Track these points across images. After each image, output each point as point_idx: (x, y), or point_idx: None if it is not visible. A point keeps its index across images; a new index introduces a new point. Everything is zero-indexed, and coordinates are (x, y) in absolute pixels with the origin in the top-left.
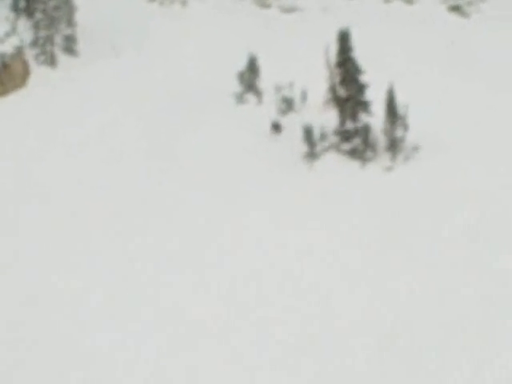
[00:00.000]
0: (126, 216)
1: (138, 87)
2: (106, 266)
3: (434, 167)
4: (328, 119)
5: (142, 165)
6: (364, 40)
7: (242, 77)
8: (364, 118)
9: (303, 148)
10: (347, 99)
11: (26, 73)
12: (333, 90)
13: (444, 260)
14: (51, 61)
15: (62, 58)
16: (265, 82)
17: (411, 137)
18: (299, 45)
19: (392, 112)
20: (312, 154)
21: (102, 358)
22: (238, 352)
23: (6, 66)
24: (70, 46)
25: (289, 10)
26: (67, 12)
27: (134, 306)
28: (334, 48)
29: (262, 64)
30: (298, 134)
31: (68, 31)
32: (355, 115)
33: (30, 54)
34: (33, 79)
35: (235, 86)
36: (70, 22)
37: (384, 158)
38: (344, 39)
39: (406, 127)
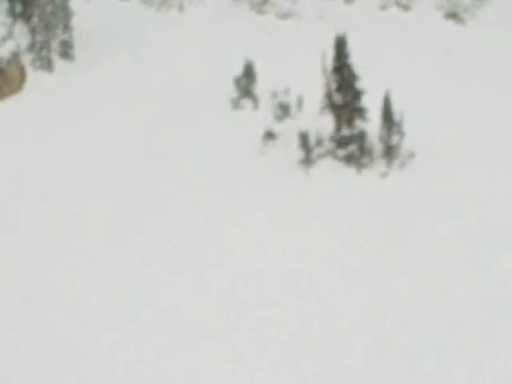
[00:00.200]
0: (125, 216)
1: (134, 92)
2: (105, 266)
3: (430, 173)
4: (324, 125)
5: (139, 168)
6: (360, 46)
7: (238, 82)
8: (360, 124)
9: (299, 154)
10: (343, 105)
11: (22, 78)
12: (329, 96)
13: (443, 260)
14: (48, 66)
15: (59, 62)
16: (261, 87)
17: (407, 143)
18: (296, 51)
19: (388, 118)
20: (308, 160)
21: (101, 358)
22: (238, 352)
23: (2, 71)
24: (66, 51)
25: (285, 16)
26: (64, 17)
27: (133, 306)
28: (330, 54)
29: (259, 70)
30: (294, 139)
31: (65, 36)
32: (351, 121)
33: (26, 59)
34: (29, 84)
35: (232, 92)
36: (67, 27)
37: (380, 165)
38: (340, 45)
39: (401, 134)
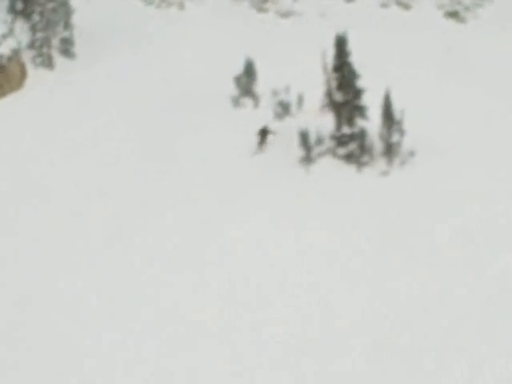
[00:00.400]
0: (125, 216)
1: (134, 90)
2: (105, 265)
3: (431, 172)
4: (324, 124)
5: (139, 166)
6: (361, 45)
7: (238, 80)
8: (360, 122)
9: (299, 152)
10: (344, 104)
11: (22, 75)
12: (329, 94)
13: (444, 260)
14: (48, 63)
15: (59, 60)
16: (261, 85)
17: (407, 142)
18: (296, 49)
19: (388, 117)
20: (308, 159)
21: (101, 358)
22: (238, 352)
23: (2, 68)
24: (67, 48)
25: (286, 14)
26: (64, 14)
27: (133, 306)
28: (330, 52)
29: (259, 68)
30: (295, 138)
31: (65, 33)
32: (351, 120)
33: (27, 56)
34: (30, 81)
35: (232, 90)
36: (68, 25)
37: (380, 163)
38: (341, 44)
39: (402, 132)
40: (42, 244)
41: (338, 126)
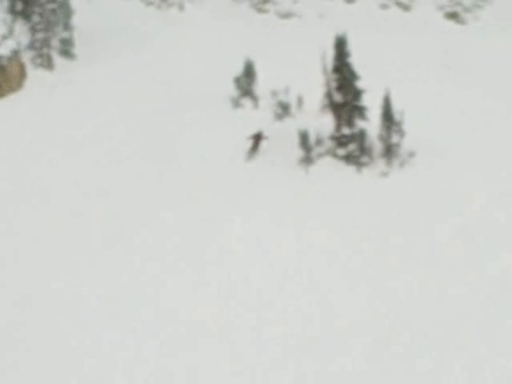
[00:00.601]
0: (125, 216)
1: (134, 90)
2: (105, 265)
3: (430, 172)
4: (324, 124)
5: (139, 166)
6: (361, 46)
7: (238, 81)
8: (360, 123)
9: (299, 153)
10: (343, 105)
11: (22, 75)
12: (329, 95)
13: (443, 260)
14: (48, 64)
15: (59, 60)
16: (261, 86)
17: (407, 143)
18: (296, 50)
19: (388, 118)
20: (308, 159)
21: (101, 358)
22: (238, 351)
23: (2, 69)
24: (66, 48)
25: (286, 15)
26: (64, 15)
27: (133, 306)
28: (330, 53)
29: (259, 69)
30: (294, 139)
31: (65, 34)
32: (351, 121)
33: (26, 57)
34: (29, 82)
35: (232, 91)
36: (67, 25)
37: (380, 164)
38: (340, 45)
39: (401, 133)
40: (42, 244)
41: (338, 126)
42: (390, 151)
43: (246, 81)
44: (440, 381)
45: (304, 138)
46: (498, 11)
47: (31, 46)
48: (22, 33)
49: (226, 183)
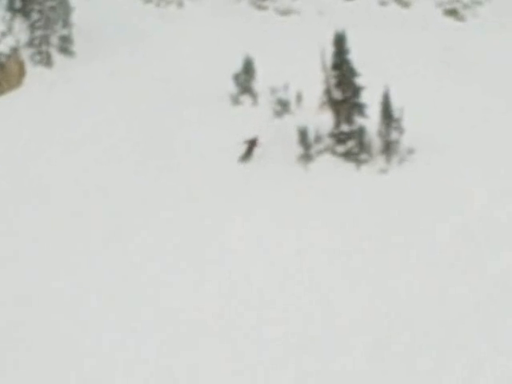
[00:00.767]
0: (125, 216)
1: (133, 88)
2: (105, 265)
3: (430, 169)
4: (323, 121)
5: (139, 164)
6: (360, 43)
7: (237, 78)
8: (359, 120)
9: (298, 150)
10: (342, 102)
11: (21, 73)
12: (328, 92)
13: (444, 259)
14: (47, 61)
15: (58, 58)
16: (260, 83)
17: (406, 139)
18: (295, 47)
19: (387, 114)
20: (307, 156)
21: (101, 358)
22: (238, 351)
23: (1, 66)
24: (66, 46)
25: (285, 12)
26: (63, 12)
27: (134, 306)
28: (329, 50)
29: (258, 65)
30: (294, 135)
31: (64, 31)
32: (350, 118)
33: (25, 54)
34: (28, 79)
35: (231, 87)
36: (66, 23)
37: (379, 161)
38: (340, 42)
39: (401, 130)
40: (42, 244)
41: (337, 123)
42: (389, 148)
43: (245, 78)
44: (441, 380)
45: (303, 135)
46: (497, 8)
47: (30, 44)
48: (21, 30)
49: (225, 181)
